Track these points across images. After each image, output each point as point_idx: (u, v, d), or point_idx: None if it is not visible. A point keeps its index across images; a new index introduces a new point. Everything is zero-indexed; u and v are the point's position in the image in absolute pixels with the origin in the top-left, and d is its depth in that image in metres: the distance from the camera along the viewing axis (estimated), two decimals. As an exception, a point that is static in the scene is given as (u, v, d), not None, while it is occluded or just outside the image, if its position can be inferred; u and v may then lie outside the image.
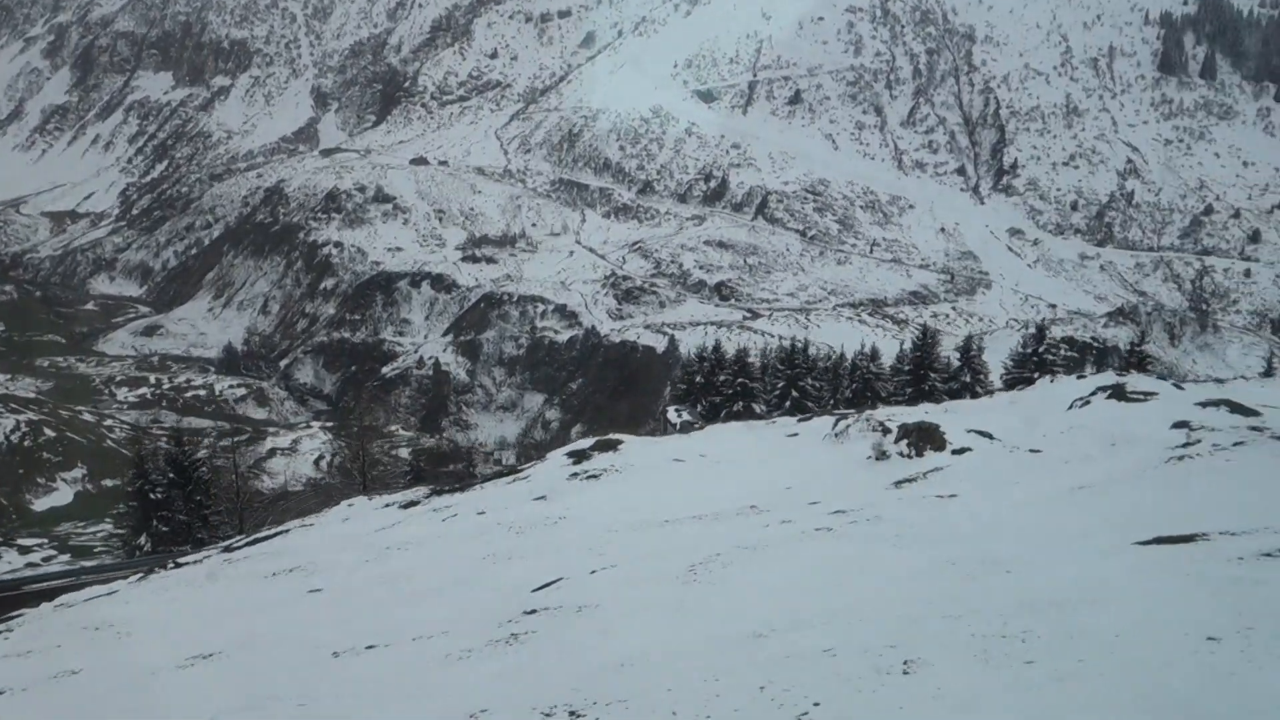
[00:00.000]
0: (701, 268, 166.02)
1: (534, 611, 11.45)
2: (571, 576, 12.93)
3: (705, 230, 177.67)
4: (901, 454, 17.26)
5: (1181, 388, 21.25)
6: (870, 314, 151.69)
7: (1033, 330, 51.16)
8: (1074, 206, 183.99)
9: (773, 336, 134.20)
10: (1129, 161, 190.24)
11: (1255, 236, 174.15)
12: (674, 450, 19.57)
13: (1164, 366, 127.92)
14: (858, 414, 20.25)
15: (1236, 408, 18.03)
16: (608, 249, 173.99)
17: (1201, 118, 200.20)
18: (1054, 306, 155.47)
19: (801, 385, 41.43)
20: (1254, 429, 16.57)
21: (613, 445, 20.65)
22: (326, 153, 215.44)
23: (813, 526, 13.08)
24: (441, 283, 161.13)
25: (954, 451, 16.77)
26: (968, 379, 41.77)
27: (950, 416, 18.93)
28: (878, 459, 17.44)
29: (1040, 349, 41.09)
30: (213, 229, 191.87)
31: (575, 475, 19.05)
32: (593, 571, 13.04)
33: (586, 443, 21.70)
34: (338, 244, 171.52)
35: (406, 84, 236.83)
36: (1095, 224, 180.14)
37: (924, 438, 17.33)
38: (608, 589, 12.02)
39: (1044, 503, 13.76)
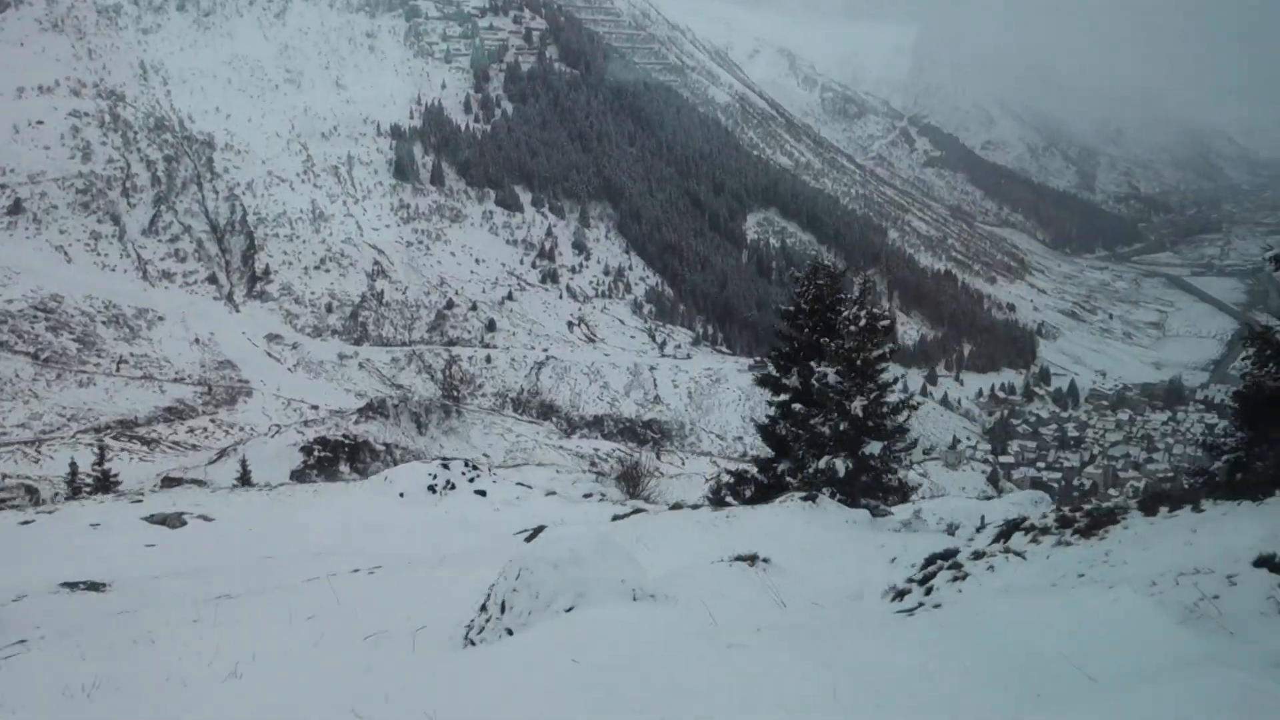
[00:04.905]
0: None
1: None
2: None
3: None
4: None
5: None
6: (117, 436, 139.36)
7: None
8: (329, 308, 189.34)
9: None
10: (376, 263, 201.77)
11: (491, 326, 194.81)
12: None
13: (412, 454, 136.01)
14: None
15: None
16: None
17: (436, 221, 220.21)
18: (316, 407, 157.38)
19: None
20: None
21: None
22: None
23: None
24: None
25: None
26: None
27: None
28: None
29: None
30: None
31: None
32: None
33: None
34: None
35: None
36: (351, 324, 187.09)
37: None
38: None
39: None
